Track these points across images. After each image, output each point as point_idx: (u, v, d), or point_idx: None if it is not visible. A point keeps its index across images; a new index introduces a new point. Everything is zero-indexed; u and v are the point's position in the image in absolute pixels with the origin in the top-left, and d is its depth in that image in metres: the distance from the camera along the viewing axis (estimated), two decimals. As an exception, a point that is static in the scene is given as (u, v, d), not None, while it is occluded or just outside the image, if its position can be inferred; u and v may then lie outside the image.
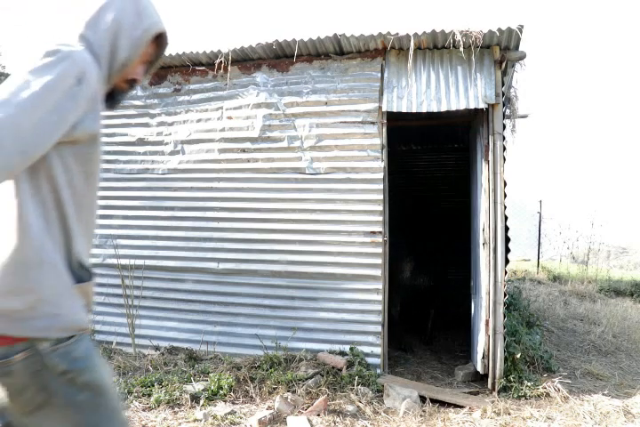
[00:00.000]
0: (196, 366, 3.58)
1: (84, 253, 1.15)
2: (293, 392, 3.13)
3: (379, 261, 3.73)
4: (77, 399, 1.08)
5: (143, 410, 2.96)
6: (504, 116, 4.17)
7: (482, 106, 3.55)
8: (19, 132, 0.92)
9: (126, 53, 1.20)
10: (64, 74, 1.01)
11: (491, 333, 3.50)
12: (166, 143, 4.22)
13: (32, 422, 1.08)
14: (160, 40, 1.29)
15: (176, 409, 2.97)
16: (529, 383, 3.36)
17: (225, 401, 3.07)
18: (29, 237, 1.02)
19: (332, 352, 3.63)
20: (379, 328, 3.70)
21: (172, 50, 4.04)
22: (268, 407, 2.99)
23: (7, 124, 0.90)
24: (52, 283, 1.05)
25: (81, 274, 1.13)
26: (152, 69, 1.34)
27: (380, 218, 3.75)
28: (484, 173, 3.66)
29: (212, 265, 4.02)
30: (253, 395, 3.15)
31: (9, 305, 1.00)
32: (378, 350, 3.68)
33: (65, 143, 1.04)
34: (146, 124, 4.28)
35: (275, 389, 3.20)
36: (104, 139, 4.36)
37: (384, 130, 3.78)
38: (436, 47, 3.68)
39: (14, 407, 1.06)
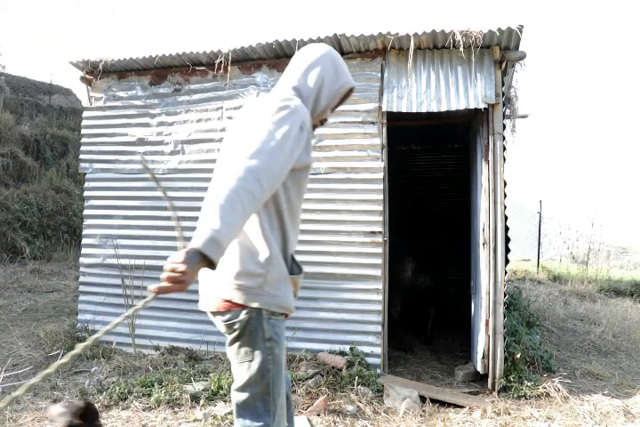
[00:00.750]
0: (196, 366, 3.58)
1: (293, 251, 1.53)
2: (293, 392, 3.13)
3: (379, 261, 3.73)
4: (267, 368, 1.43)
5: (143, 410, 2.96)
6: (504, 116, 4.16)
7: (482, 106, 3.55)
8: (270, 172, 1.27)
9: (325, 103, 1.57)
10: (293, 125, 1.36)
11: (491, 333, 3.50)
12: (166, 143, 4.22)
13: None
14: (347, 92, 1.65)
15: (176, 409, 2.97)
16: (529, 383, 3.35)
17: (225, 401, 3.07)
18: (264, 237, 1.41)
19: (332, 352, 3.63)
20: (379, 328, 3.70)
21: (172, 50, 4.04)
22: (268, 407, 2.98)
23: (264, 168, 1.25)
24: (275, 271, 1.42)
25: (292, 268, 1.52)
26: (334, 110, 1.70)
27: (380, 218, 3.75)
28: (483, 173, 3.66)
29: (212, 265, 4.02)
30: (253, 395, 3.14)
31: (246, 283, 1.40)
32: (378, 350, 3.68)
33: None
34: (146, 124, 4.28)
35: (275, 389, 3.19)
36: (104, 139, 4.38)
37: (384, 130, 3.78)
38: (436, 47, 3.68)
39: (230, 357, 1.48)
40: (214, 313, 1.47)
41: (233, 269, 1.40)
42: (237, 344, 1.44)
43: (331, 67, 1.56)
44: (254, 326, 1.41)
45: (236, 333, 1.43)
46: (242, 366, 1.45)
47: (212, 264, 1.16)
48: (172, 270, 1.12)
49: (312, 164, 1.50)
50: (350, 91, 1.65)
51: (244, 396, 1.45)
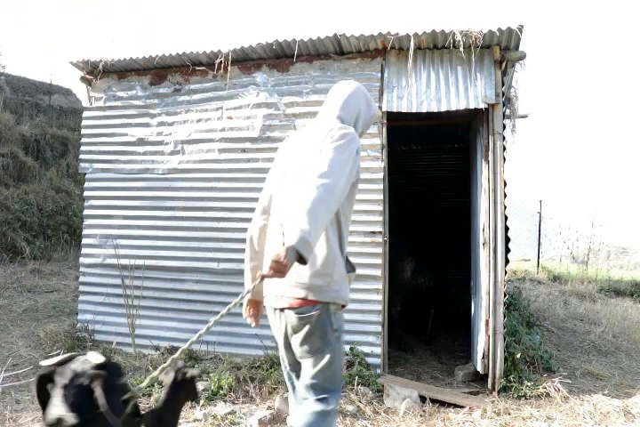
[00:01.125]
0: (196, 366, 3.58)
1: (346, 252, 1.80)
2: (293, 392, 3.13)
3: (379, 261, 3.73)
4: (335, 355, 1.72)
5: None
6: (504, 116, 4.16)
7: (482, 106, 3.54)
8: (340, 187, 1.58)
9: (360, 130, 1.90)
10: (352, 149, 1.68)
11: (491, 333, 3.50)
12: (166, 143, 4.22)
13: (304, 366, 1.77)
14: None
15: (176, 409, 2.97)
16: (529, 383, 3.35)
17: (225, 401, 3.08)
18: (330, 243, 1.69)
19: (332, 352, 3.63)
20: (379, 328, 3.70)
21: (172, 50, 4.04)
22: (268, 407, 2.99)
23: (336, 184, 1.56)
24: (338, 271, 1.70)
25: (347, 267, 1.78)
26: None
27: (380, 218, 3.74)
28: (483, 173, 3.66)
29: (212, 265, 4.02)
30: (253, 395, 3.15)
31: (316, 283, 1.66)
32: (378, 350, 3.68)
33: None
34: (146, 124, 4.28)
35: (275, 389, 3.20)
36: (104, 139, 4.38)
37: (384, 130, 3.78)
38: (436, 47, 3.68)
39: (301, 351, 1.73)
40: (284, 309, 1.71)
41: (305, 272, 1.65)
42: (313, 338, 1.69)
43: (364, 100, 1.94)
44: (324, 319, 1.68)
45: (309, 327, 1.68)
46: (317, 356, 1.71)
47: (303, 260, 1.44)
48: (277, 260, 1.40)
49: (360, 178, 1.78)
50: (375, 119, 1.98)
51: (316, 380, 1.71)
